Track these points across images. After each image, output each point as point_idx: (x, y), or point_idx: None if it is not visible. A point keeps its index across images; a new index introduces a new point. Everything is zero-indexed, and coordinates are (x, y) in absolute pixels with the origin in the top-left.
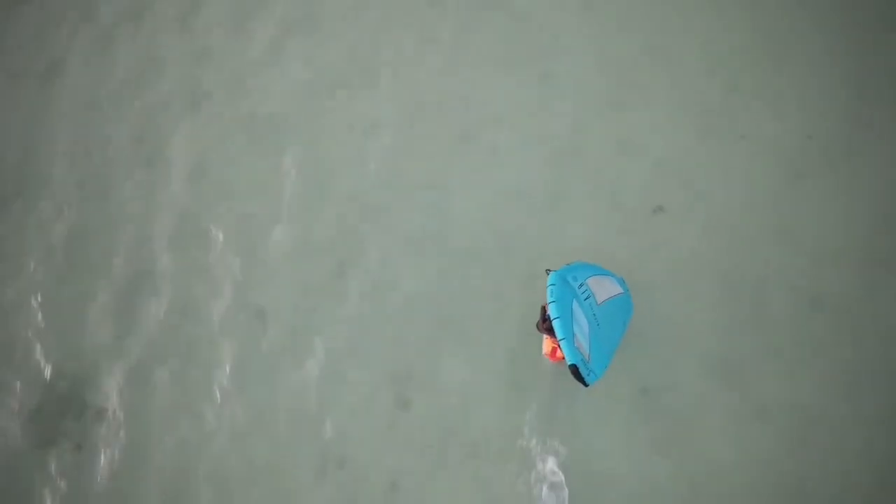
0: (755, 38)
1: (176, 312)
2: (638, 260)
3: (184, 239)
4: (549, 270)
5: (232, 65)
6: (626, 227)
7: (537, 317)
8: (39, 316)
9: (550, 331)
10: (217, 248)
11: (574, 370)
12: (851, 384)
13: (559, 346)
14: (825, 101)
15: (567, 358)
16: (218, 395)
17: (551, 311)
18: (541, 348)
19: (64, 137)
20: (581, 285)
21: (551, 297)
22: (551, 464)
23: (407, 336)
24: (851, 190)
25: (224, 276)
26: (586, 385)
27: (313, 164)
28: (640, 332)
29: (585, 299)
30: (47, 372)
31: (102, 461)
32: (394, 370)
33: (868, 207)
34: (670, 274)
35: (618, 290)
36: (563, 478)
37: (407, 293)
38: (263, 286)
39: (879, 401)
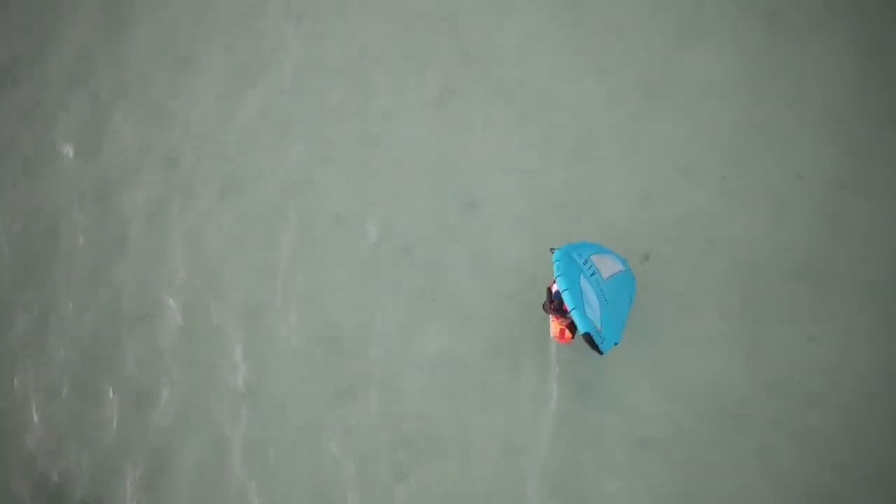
0: (745, 77)
1: (185, 412)
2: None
3: (185, 333)
4: (553, 249)
5: (217, 148)
6: None
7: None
8: (43, 424)
9: (558, 311)
10: (220, 341)
11: (588, 338)
12: (851, 419)
13: (567, 325)
14: (815, 141)
15: (580, 327)
16: (230, 491)
17: (559, 284)
18: (549, 333)
19: (58, 232)
20: (586, 262)
21: (558, 271)
22: None
23: (405, 402)
24: (841, 224)
25: (228, 370)
26: (601, 353)
27: (309, 241)
28: (635, 382)
29: (591, 275)
30: (55, 476)
31: None
32: (391, 440)
33: (860, 242)
34: (663, 319)
35: (620, 267)
36: None
37: (406, 358)
38: (266, 376)
39: (882, 436)
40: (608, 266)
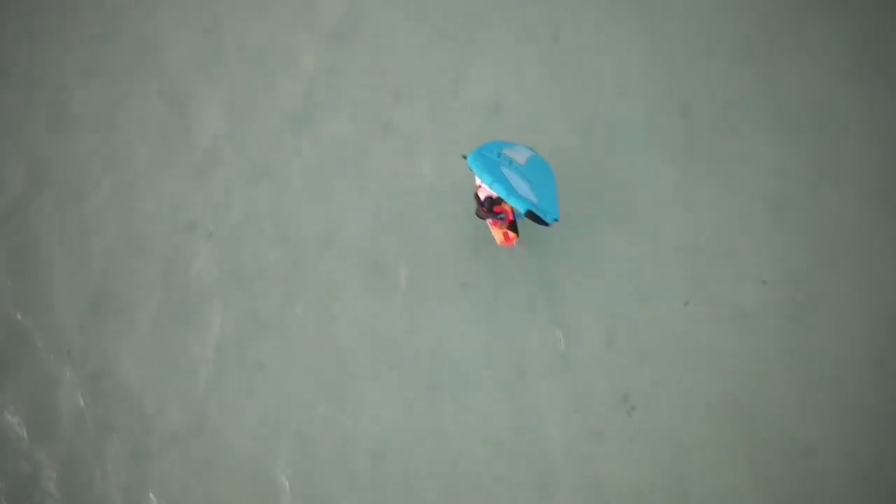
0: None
1: None
2: (617, 464)
3: None
4: (465, 155)
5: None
6: (601, 430)
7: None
8: None
9: (491, 212)
10: None
11: (531, 215)
12: None
13: (507, 227)
14: (778, 248)
15: (519, 208)
16: None
17: (484, 180)
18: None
19: None
20: (499, 155)
21: (478, 170)
22: None
23: None
24: (812, 334)
25: None
26: (547, 224)
27: None
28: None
29: (510, 164)
30: None
31: None
32: None
33: (831, 349)
34: (654, 466)
35: (529, 153)
36: None
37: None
38: None
39: None
40: (520, 154)
